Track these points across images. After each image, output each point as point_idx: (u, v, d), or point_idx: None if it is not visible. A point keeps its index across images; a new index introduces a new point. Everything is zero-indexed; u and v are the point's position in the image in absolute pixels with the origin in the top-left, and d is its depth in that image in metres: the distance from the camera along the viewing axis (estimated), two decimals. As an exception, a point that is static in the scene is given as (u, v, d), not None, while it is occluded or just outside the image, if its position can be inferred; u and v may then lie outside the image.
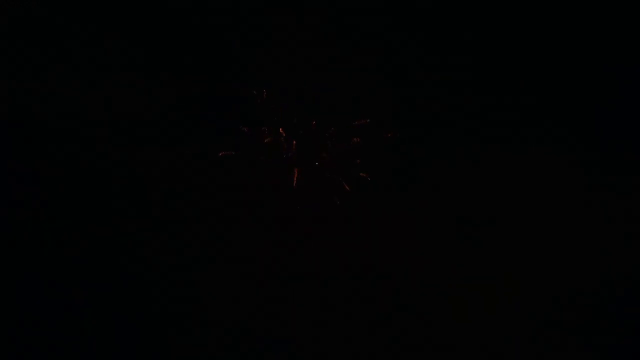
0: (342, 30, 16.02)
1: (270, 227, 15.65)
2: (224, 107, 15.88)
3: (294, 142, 15.61)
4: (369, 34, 16.03)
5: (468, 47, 16.01)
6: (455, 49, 16.01)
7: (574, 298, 15.13)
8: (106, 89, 15.94)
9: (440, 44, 16.03)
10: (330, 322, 15.21)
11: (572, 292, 15.14)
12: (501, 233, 15.47)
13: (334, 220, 15.69)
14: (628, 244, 15.26)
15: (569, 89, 15.88)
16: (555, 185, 15.59)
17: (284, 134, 15.63)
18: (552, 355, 14.91)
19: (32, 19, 16.06)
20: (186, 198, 15.65)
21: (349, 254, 15.52)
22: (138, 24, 16.16)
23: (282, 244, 15.60)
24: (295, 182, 15.57)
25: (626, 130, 15.64)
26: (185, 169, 15.75)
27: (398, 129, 15.84)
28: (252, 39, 16.11)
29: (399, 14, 16.10)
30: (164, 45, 16.15)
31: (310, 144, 15.73)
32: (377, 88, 15.89)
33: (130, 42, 16.06)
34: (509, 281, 15.25)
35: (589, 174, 15.56)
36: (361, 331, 15.18)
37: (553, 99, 15.86)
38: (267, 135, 15.67)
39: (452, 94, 15.92)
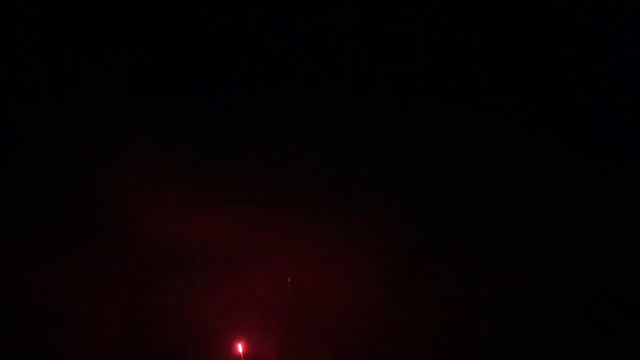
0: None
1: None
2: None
3: None
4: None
5: (465, 48, 16.12)
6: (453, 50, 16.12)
7: (574, 299, 15.03)
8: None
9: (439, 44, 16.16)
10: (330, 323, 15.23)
11: (571, 293, 15.05)
12: (500, 234, 15.39)
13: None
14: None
15: (567, 89, 15.93)
16: (554, 185, 15.54)
17: None
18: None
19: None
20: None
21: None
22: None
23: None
24: None
25: (626, 130, 15.65)
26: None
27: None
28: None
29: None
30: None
31: None
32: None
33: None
34: (509, 282, 15.16)
35: (588, 174, 15.51)
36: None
37: (551, 99, 15.90)
38: None
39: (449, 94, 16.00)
